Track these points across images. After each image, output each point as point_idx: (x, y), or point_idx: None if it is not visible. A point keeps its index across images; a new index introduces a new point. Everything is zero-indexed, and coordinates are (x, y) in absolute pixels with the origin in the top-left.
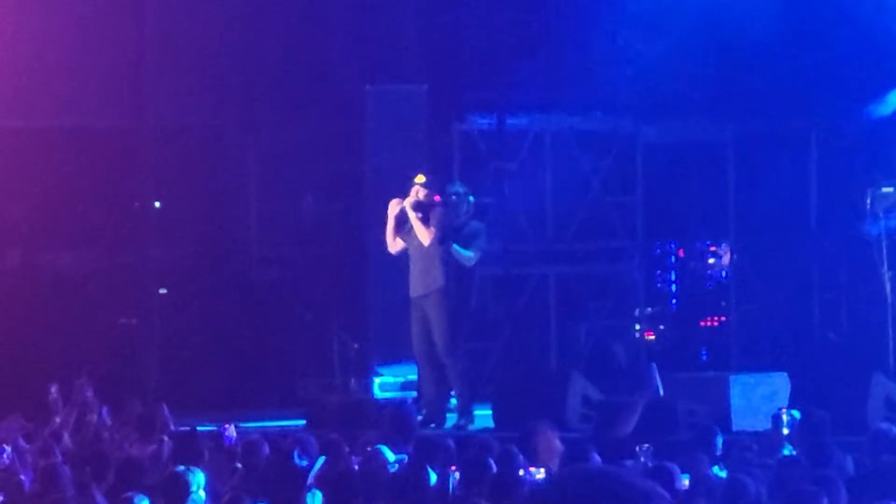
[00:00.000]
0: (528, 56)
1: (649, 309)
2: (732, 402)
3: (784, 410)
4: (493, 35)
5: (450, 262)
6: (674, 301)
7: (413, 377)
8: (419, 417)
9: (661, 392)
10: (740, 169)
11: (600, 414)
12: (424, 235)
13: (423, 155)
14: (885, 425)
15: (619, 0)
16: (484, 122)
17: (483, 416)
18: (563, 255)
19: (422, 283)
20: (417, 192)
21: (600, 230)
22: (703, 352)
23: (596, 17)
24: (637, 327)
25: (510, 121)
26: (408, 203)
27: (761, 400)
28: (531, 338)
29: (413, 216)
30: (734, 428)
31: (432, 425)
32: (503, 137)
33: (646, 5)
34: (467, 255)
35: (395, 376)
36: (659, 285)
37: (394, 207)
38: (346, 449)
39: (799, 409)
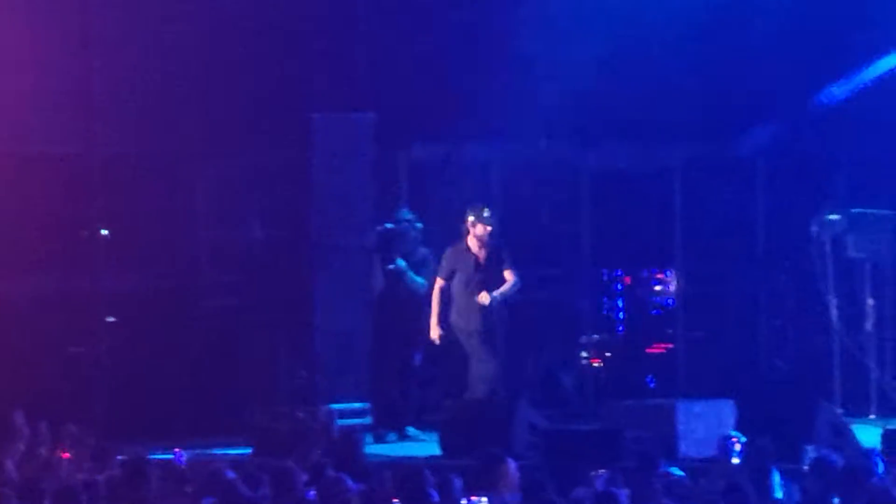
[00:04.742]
0: (475, 85)
1: (596, 336)
2: (679, 428)
3: (733, 439)
4: (439, 64)
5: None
6: (620, 328)
7: (362, 405)
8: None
9: None
10: (687, 196)
11: (547, 442)
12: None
13: (370, 184)
14: (826, 452)
15: (565, 29)
16: (431, 151)
17: (430, 443)
18: None
19: None
20: None
21: (547, 257)
22: (650, 379)
23: (542, 46)
24: (584, 354)
25: (457, 149)
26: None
27: (707, 427)
28: None
29: None
30: (680, 455)
31: (392, 436)
32: (450, 166)
33: (592, 33)
34: (420, 282)
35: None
36: (606, 312)
37: None
38: (303, 478)
39: (744, 437)
